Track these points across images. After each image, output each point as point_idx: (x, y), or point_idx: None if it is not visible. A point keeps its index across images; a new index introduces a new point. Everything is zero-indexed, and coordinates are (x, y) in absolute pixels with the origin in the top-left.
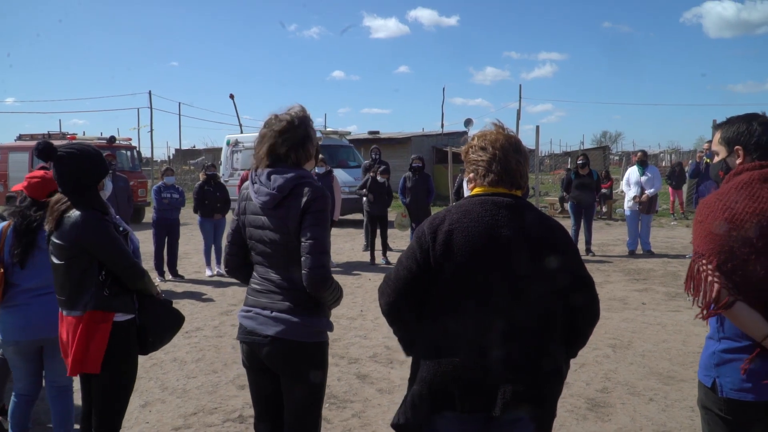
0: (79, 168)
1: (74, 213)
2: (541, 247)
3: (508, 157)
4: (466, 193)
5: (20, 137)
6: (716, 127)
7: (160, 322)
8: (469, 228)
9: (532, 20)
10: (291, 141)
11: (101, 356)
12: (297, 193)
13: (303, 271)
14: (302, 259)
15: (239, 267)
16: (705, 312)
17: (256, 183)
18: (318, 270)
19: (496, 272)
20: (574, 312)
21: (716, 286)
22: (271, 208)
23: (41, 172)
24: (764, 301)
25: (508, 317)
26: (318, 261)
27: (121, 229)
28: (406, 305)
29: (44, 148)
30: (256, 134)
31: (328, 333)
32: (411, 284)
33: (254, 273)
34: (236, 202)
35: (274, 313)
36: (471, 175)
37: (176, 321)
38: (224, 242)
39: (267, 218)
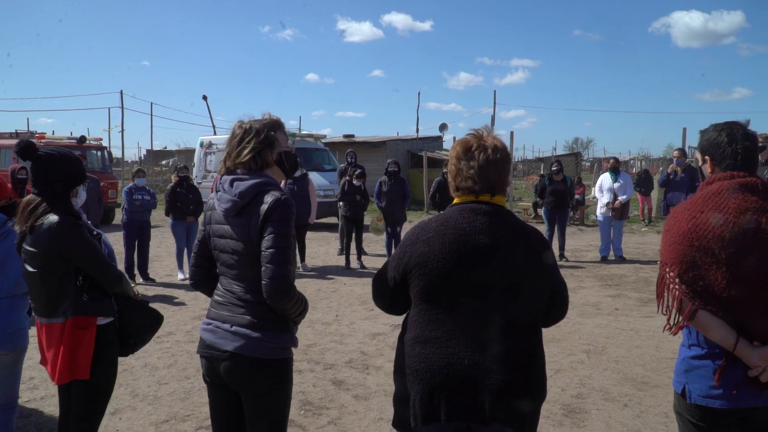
0: (56, 170)
1: (48, 219)
2: (517, 252)
3: (490, 165)
4: None
5: None
6: (700, 133)
7: (139, 323)
8: (446, 235)
9: (504, 27)
10: (253, 147)
11: (89, 362)
12: (259, 201)
13: (263, 282)
14: (262, 269)
15: (204, 280)
16: (671, 322)
17: (219, 191)
18: (279, 281)
19: (472, 278)
20: (545, 312)
21: (677, 293)
22: (233, 215)
23: None
24: (728, 309)
25: (483, 322)
26: (279, 271)
27: (95, 233)
28: (400, 306)
29: (24, 148)
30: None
31: (294, 348)
32: (398, 293)
33: (218, 284)
34: (203, 212)
35: (234, 327)
36: (453, 183)
37: (155, 321)
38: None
39: (230, 227)
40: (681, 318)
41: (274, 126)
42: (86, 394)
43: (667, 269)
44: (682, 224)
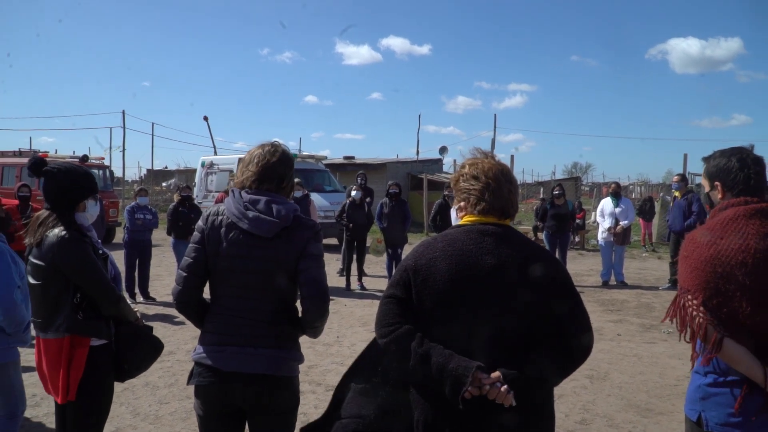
0: (60, 185)
1: (53, 232)
2: (528, 276)
3: (501, 187)
4: (455, 220)
5: None
6: (703, 160)
7: (135, 350)
8: (453, 256)
9: (502, 51)
10: (285, 173)
11: (77, 383)
12: (296, 226)
13: (306, 300)
14: (305, 288)
15: (193, 301)
16: (694, 352)
17: (250, 210)
18: (322, 301)
19: (478, 300)
20: (565, 341)
21: (702, 322)
22: (268, 237)
23: None
24: (753, 338)
25: (489, 344)
26: (322, 291)
27: (100, 252)
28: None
29: (34, 163)
30: (232, 156)
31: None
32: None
33: (222, 306)
34: (199, 230)
35: (259, 350)
36: (462, 203)
37: (154, 350)
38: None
39: (258, 248)
40: (708, 347)
41: (292, 156)
42: (80, 416)
43: (689, 296)
44: (703, 250)
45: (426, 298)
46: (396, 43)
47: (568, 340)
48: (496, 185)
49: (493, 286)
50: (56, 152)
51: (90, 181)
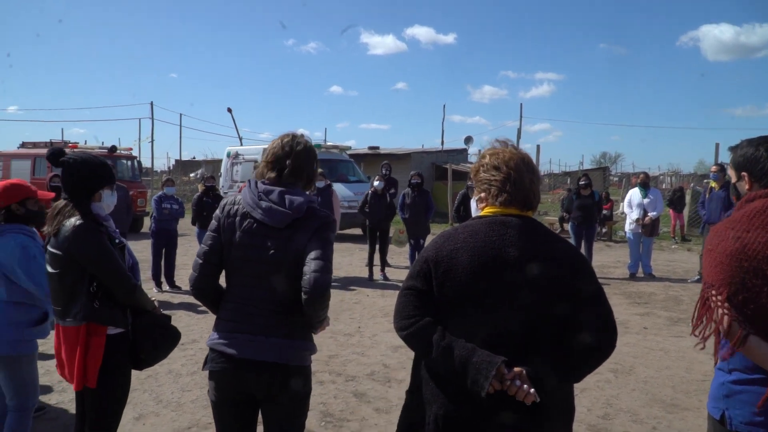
0: (76, 174)
1: (69, 222)
2: (550, 269)
3: (522, 177)
4: (475, 211)
5: (23, 145)
6: (730, 149)
7: (152, 339)
8: (475, 248)
9: (528, 40)
10: (305, 164)
11: (96, 370)
12: (309, 216)
13: (304, 285)
14: (306, 274)
15: (209, 288)
16: (718, 345)
17: (263, 201)
18: (320, 285)
19: (501, 292)
20: (588, 335)
21: (726, 318)
22: (280, 228)
23: (13, 180)
24: None
25: (510, 337)
26: (321, 277)
27: (117, 241)
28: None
29: (52, 153)
30: (257, 147)
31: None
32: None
33: (235, 295)
34: (216, 219)
35: (270, 338)
36: (482, 194)
37: (171, 339)
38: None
39: (270, 238)
40: (730, 343)
41: (314, 148)
42: (98, 403)
43: (713, 291)
44: (729, 244)
45: (447, 290)
46: (421, 32)
47: (591, 337)
48: (518, 176)
49: (516, 278)
50: (85, 143)
51: (106, 171)
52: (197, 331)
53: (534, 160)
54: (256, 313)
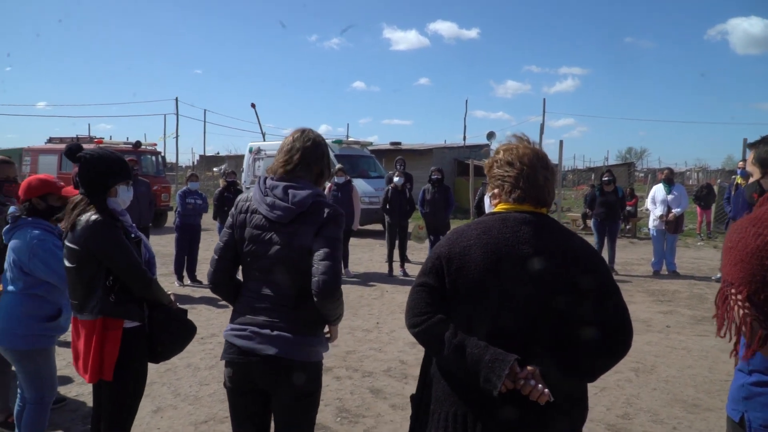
0: (92, 170)
1: (85, 216)
2: (565, 267)
3: (537, 174)
4: (488, 207)
5: (50, 140)
6: (750, 146)
7: (169, 332)
8: (489, 245)
9: (552, 34)
10: (313, 159)
11: (113, 363)
12: (314, 211)
13: (314, 279)
14: (314, 268)
15: (225, 282)
16: (737, 345)
17: (268, 196)
18: (330, 279)
19: (515, 289)
20: (602, 336)
21: (747, 318)
22: (285, 223)
23: (39, 175)
24: None
25: (522, 335)
26: (331, 271)
27: (132, 236)
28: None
29: (69, 150)
30: (279, 142)
31: (325, 352)
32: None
33: (247, 289)
34: (231, 215)
35: (275, 332)
36: (496, 190)
37: (187, 332)
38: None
39: (276, 233)
40: (750, 343)
41: (324, 143)
42: (114, 396)
43: (733, 290)
44: (750, 241)
45: (460, 287)
46: (444, 27)
47: (605, 336)
48: (532, 172)
49: (529, 276)
50: (111, 138)
51: (122, 166)
52: (217, 325)
53: (557, 156)
54: (263, 307)
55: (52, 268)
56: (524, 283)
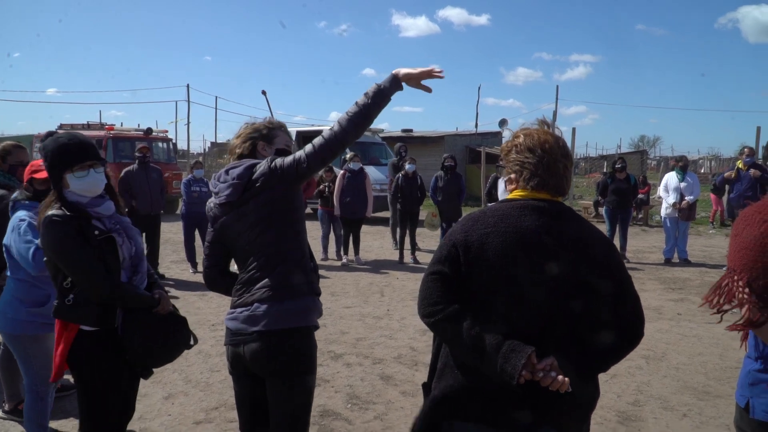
0: (46, 161)
1: (47, 212)
2: (582, 257)
3: (557, 162)
4: (502, 193)
5: (61, 126)
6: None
7: (142, 339)
8: (507, 233)
9: (563, 21)
10: (248, 137)
11: (61, 365)
12: (252, 174)
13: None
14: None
15: (218, 278)
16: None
17: (216, 186)
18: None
19: (533, 280)
20: (615, 326)
21: (745, 303)
22: (236, 202)
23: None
24: None
25: (538, 324)
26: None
27: (97, 232)
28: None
29: (45, 137)
30: (290, 129)
31: (318, 316)
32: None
33: (239, 276)
34: (209, 215)
35: (255, 305)
36: (513, 176)
37: (175, 341)
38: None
39: (235, 214)
40: (743, 323)
41: (274, 125)
42: (79, 396)
43: (735, 276)
44: (753, 228)
45: (477, 276)
46: (453, 13)
47: (618, 326)
48: (552, 160)
49: (548, 266)
50: (122, 125)
51: (80, 147)
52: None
53: (569, 144)
54: (251, 288)
55: (20, 251)
56: (544, 273)
